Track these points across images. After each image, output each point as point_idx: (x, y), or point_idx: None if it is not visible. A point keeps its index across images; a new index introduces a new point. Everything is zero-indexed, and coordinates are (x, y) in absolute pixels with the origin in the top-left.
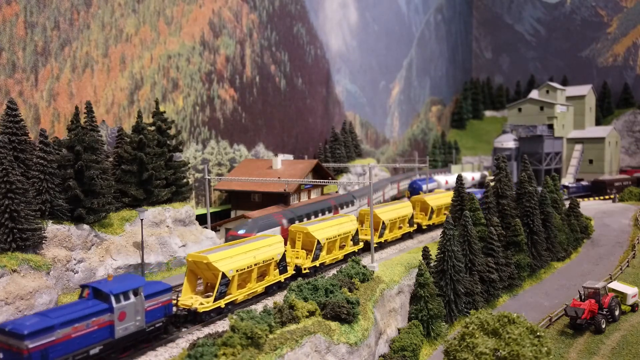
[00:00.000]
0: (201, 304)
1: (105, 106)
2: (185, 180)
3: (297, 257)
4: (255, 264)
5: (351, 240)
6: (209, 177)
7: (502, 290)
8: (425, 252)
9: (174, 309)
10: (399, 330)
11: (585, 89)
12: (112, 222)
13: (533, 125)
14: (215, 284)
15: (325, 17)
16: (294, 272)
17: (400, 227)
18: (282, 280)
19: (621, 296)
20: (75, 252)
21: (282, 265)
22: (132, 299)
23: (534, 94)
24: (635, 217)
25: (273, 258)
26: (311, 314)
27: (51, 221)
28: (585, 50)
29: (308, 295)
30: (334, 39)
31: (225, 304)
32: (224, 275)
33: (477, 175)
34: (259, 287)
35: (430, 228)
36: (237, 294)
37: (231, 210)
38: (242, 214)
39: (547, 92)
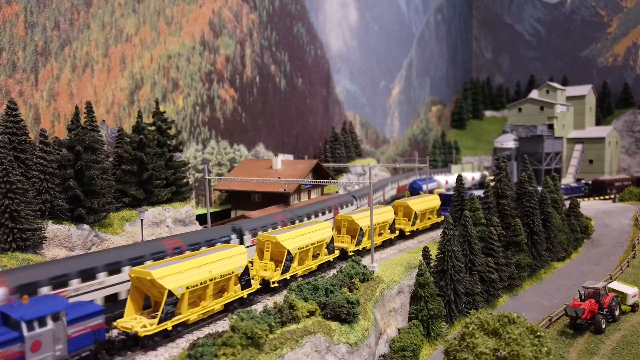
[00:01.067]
0: (144, 326)
1: (105, 106)
2: (185, 180)
3: (265, 270)
4: (211, 279)
5: (326, 248)
6: (209, 177)
7: (502, 290)
8: (425, 252)
9: (115, 332)
10: (399, 330)
11: (585, 89)
12: (112, 222)
13: (533, 125)
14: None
15: (325, 17)
16: (260, 285)
17: (380, 234)
18: (245, 297)
19: (621, 296)
20: (76, 252)
21: (244, 279)
22: (50, 325)
23: (534, 94)
24: (635, 217)
25: (233, 272)
26: (311, 314)
27: (51, 221)
28: (585, 50)
29: (308, 295)
30: (334, 39)
31: (172, 326)
32: (170, 294)
33: (477, 175)
34: (217, 305)
35: (414, 234)
36: (188, 314)
37: (231, 210)
38: (242, 214)
39: (547, 92)
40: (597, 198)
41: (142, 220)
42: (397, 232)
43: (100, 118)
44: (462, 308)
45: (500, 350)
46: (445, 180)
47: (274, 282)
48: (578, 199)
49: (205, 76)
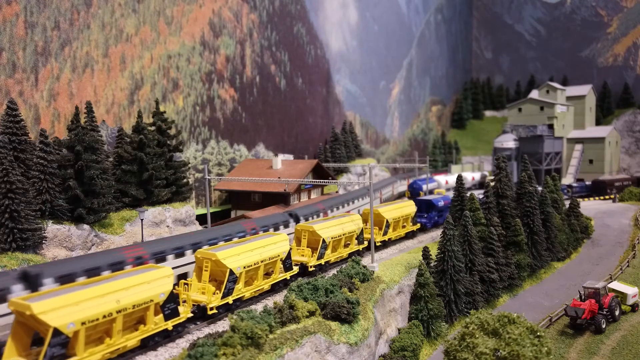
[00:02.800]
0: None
1: (105, 106)
2: (185, 180)
3: (202, 293)
4: (119, 311)
5: (282, 263)
6: (209, 177)
7: (502, 290)
8: (425, 252)
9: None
10: (399, 330)
11: (585, 89)
12: (112, 222)
13: (533, 125)
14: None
15: (325, 17)
16: (192, 314)
17: (346, 245)
18: (170, 328)
19: (621, 296)
20: (76, 252)
21: (168, 308)
22: None
23: (534, 94)
24: (635, 217)
25: (152, 299)
26: (311, 314)
27: (51, 221)
28: (585, 50)
29: (308, 295)
30: (334, 39)
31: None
32: (56, 332)
33: (477, 175)
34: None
35: (385, 244)
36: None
37: (231, 210)
38: (242, 214)
39: (547, 92)
40: (597, 198)
41: (142, 220)
42: (366, 243)
43: (100, 118)
44: (462, 308)
45: (500, 350)
46: (445, 180)
47: (211, 309)
48: (578, 199)
49: (205, 76)
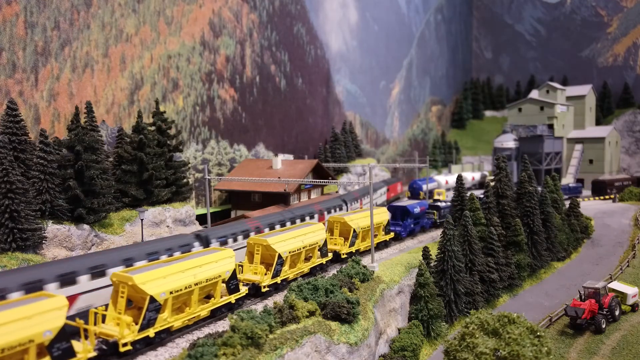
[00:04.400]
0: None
1: (105, 106)
2: (185, 180)
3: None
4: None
5: (225, 284)
6: (209, 177)
7: (502, 290)
8: (425, 252)
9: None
10: (399, 330)
11: (585, 89)
12: (112, 222)
13: (533, 125)
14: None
15: (325, 17)
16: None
17: (308, 258)
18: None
19: (621, 296)
20: (76, 252)
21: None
22: None
23: (534, 94)
24: (635, 217)
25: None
26: (311, 314)
27: (51, 221)
28: (585, 50)
29: (308, 295)
30: (334, 39)
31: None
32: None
33: (477, 175)
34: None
35: (352, 256)
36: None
37: (231, 210)
38: (242, 214)
39: (547, 92)
40: (597, 198)
41: (142, 220)
42: (330, 256)
43: (100, 118)
44: (462, 308)
45: (500, 350)
46: (445, 180)
47: (125, 345)
48: (578, 199)
49: (205, 76)
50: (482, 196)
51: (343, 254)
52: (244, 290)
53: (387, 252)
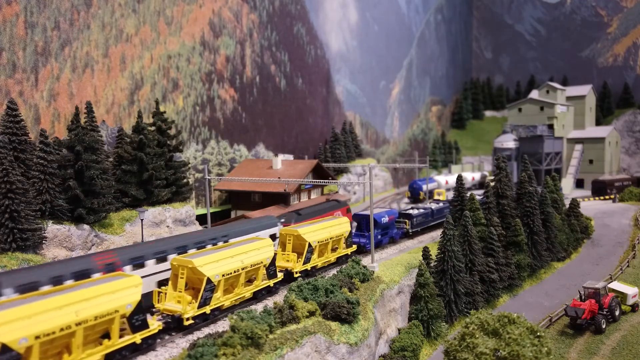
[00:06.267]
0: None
1: (105, 106)
2: (185, 180)
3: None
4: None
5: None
6: (209, 177)
7: (502, 291)
8: (425, 252)
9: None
10: (399, 330)
11: (585, 89)
12: (112, 222)
13: (533, 125)
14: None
15: (325, 17)
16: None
17: (251, 280)
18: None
19: (621, 296)
20: (76, 252)
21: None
22: None
23: (534, 94)
24: (635, 217)
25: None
26: (311, 314)
27: (51, 221)
28: (585, 50)
29: (308, 295)
30: (334, 39)
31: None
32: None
33: (477, 176)
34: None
35: (308, 274)
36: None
37: (231, 211)
38: (242, 214)
39: (547, 92)
40: (597, 198)
41: (142, 220)
42: (280, 276)
43: (100, 118)
44: (462, 308)
45: (500, 351)
46: (445, 180)
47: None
48: (578, 199)
49: (205, 76)
50: (482, 196)
51: (296, 273)
52: (155, 325)
53: (387, 252)
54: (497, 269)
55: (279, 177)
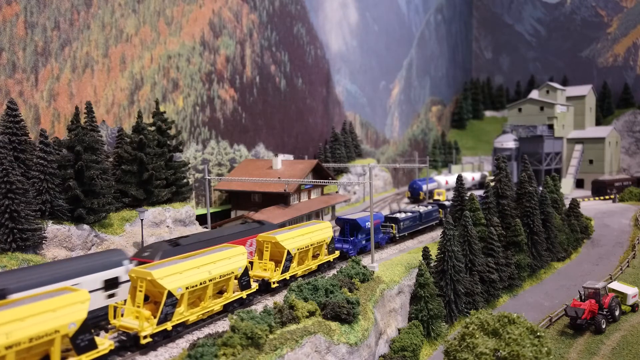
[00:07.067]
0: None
1: (105, 106)
2: (185, 180)
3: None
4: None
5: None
6: (209, 177)
7: (502, 291)
8: (425, 252)
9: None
10: (399, 330)
11: (585, 89)
12: (112, 222)
13: (533, 126)
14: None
15: (325, 17)
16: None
17: (221, 292)
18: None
19: (621, 296)
20: (76, 253)
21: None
22: None
23: (534, 94)
24: (635, 217)
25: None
26: (311, 314)
27: (51, 221)
28: (585, 50)
29: (308, 296)
30: (334, 39)
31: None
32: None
33: (477, 176)
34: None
35: (286, 283)
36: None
37: (231, 211)
38: (242, 214)
39: (547, 92)
40: (597, 198)
41: (142, 220)
42: (255, 287)
43: (100, 118)
44: (462, 308)
45: (500, 351)
46: (445, 180)
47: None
48: (578, 199)
49: (205, 76)
50: (482, 196)
51: (274, 283)
52: (104, 346)
53: (387, 252)
54: (497, 269)
55: (279, 177)
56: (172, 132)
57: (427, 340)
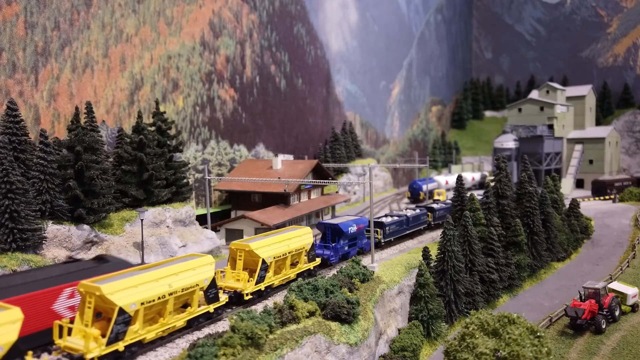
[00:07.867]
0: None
1: (105, 106)
2: (185, 180)
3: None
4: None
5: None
6: (209, 177)
7: (502, 291)
8: (425, 252)
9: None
10: (399, 330)
11: (585, 89)
12: (112, 223)
13: (533, 126)
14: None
15: (325, 17)
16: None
17: (185, 306)
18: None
19: (621, 296)
20: (76, 253)
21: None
22: None
23: (534, 94)
24: (635, 217)
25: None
26: (311, 314)
27: (51, 221)
28: (585, 50)
29: (308, 296)
30: (334, 39)
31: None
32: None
33: (477, 176)
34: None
35: (260, 294)
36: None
37: (231, 211)
38: (242, 214)
39: (547, 92)
40: (597, 198)
41: (142, 220)
42: (225, 299)
43: (100, 118)
44: (462, 308)
45: (500, 351)
46: (445, 180)
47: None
48: (578, 199)
49: (205, 76)
50: (482, 196)
51: (247, 295)
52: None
53: (387, 252)
54: (497, 269)
55: (279, 177)
56: (172, 132)
57: (427, 340)
